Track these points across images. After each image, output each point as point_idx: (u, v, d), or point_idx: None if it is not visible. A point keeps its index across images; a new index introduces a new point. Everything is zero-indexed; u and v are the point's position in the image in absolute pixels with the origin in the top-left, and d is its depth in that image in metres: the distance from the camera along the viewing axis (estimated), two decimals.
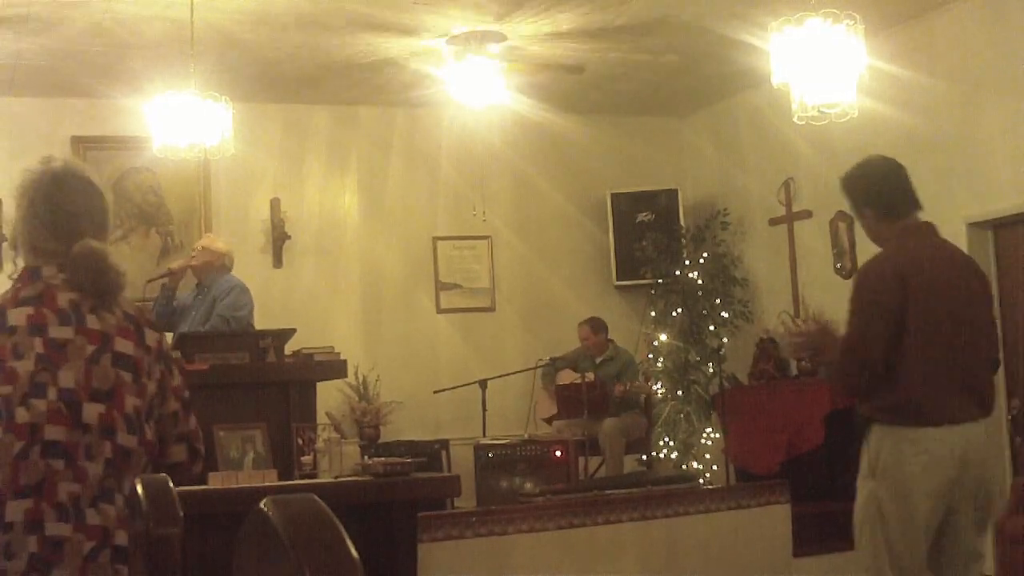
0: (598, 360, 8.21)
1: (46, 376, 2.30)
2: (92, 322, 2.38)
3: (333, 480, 5.03)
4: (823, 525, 6.44)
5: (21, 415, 2.27)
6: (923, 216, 3.71)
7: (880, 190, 3.67)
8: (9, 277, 2.54)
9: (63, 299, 2.38)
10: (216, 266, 6.65)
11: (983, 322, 3.59)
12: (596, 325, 8.31)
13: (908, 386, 3.46)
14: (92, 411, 2.31)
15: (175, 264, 6.89)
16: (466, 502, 6.46)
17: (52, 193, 2.47)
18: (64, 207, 2.47)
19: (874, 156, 3.78)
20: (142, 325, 2.46)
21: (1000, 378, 6.73)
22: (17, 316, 2.37)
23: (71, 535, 2.26)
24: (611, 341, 8.36)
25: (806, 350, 3.97)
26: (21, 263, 2.47)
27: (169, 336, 6.51)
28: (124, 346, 2.39)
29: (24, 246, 2.49)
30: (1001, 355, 6.61)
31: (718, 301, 8.71)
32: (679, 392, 8.66)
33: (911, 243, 3.60)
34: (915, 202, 3.66)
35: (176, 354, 5.51)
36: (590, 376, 7.81)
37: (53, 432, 2.28)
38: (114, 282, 2.43)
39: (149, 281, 6.89)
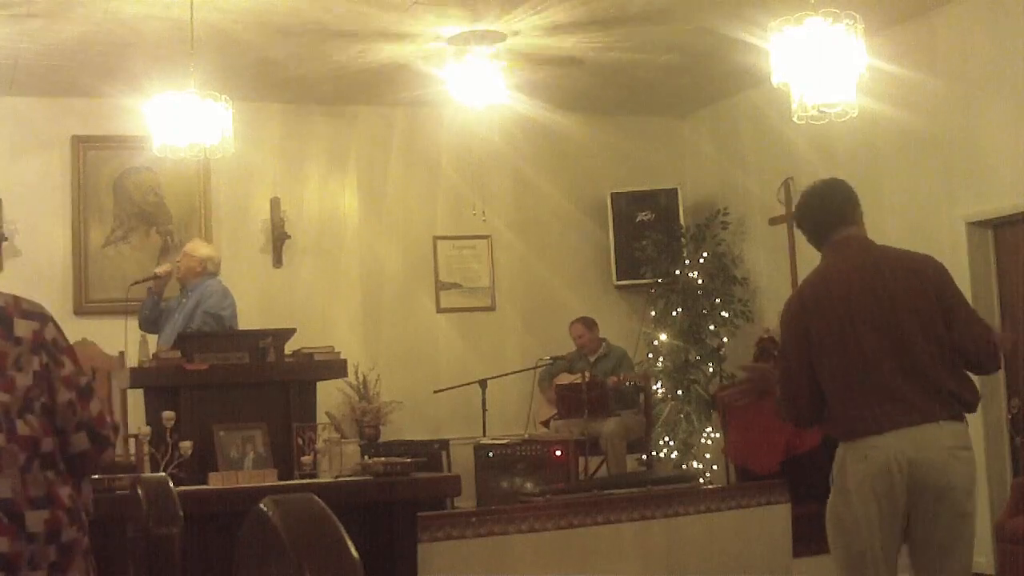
0: (592, 359, 8.22)
1: None
2: None
3: (333, 480, 5.04)
4: (823, 525, 6.43)
5: None
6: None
7: (806, 216, 3.72)
8: None
9: None
10: (198, 271, 6.73)
11: (930, 320, 3.45)
12: (588, 323, 8.33)
13: (841, 402, 3.47)
14: None
15: (160, 268, 6.93)
16: (466, 502, 6.46)
17: None
18: None
19: (820, 182, 3.78)
20: (11, 316, 2.36)
21: (1000, 378, 6.73)
22: None
23: None
24: (604, 339, 8.37)
25: (746, 397, 4.02)
26: None
27: (154, 338, 6.54)
28: None
29: None
30: (1002, 362, 6.69)
31: (718, 301, 8.71)
32: (679, 392, 8.66)
33: (828, 262, 3.63)
34: (839, 219, 3.62)
35: (176, 354, 5.51)
36: (587, 376, 7.80)
37: None
38: None
39: (133, 284, 6.91)
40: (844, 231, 3.62)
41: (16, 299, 2.42)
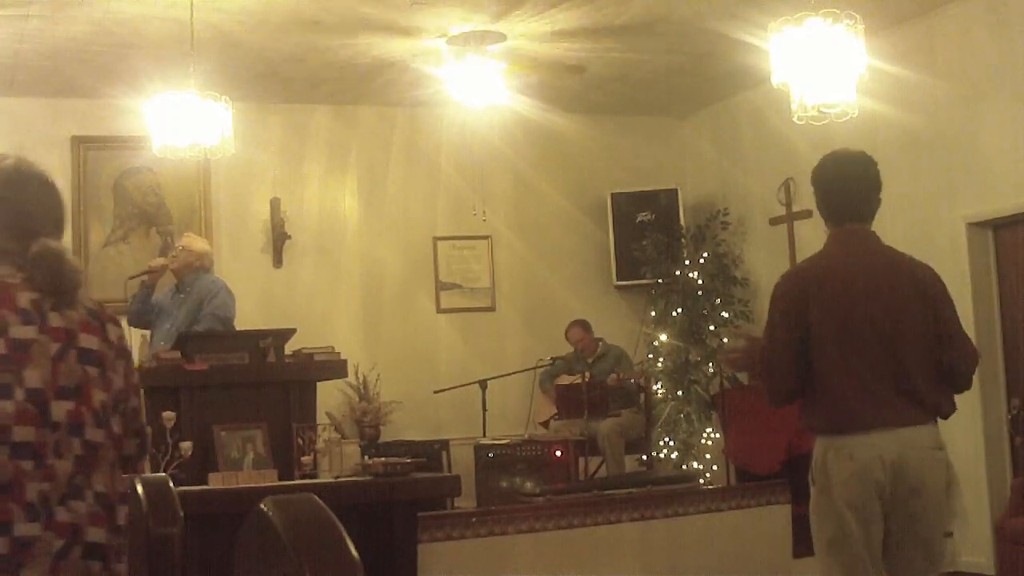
0: (591, 359, 8.22)
1: (10, 377, 2.28)
2: (55, 320, 2.36)
3: (333, 480, 5.04)
4: None
5: None
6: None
7: (830, 191, 3.60)
8: None
9: (23, 299, 2.37)
10: (195, 266, 6.66)
11: (923, 332, 3.46)
12: (585, 325, 8.34)
13: (828, 393, 3.44)
14: (60, 409, 2.31)
15: (155, 262, 6.84)
16: (466, 502, 6.46)
17: (5, 193, 2.47)
18: (18, 207, 2.46)
19: (840, 153, 3.65)
20: (104, 320, 2.45)
21: (1000, 378, 6.74)
22: None
23: (41, 534, 2.24)
24: (600, 340, 8.37)
25: (741, 366, 3.92)
26: None
27: (146, 333, 6.51)
28: (89, 341, 2.39)
29: None
30: (1002, 361, 6.69)
31: (718, 301, 8.71)
32: (679, 392, 8.66)
33: (835, 249, 3.57)
34: (856, 214, 3.58)
35: (175, 354, 5.52)
36: (587, 376, 7.81)
37: (21, 433, 2.26)
38: (72, 280, 2.42)
39: (130, 278, 6.85)
40: (859, 224, 3.58)
41: (100, 304, 2.52)
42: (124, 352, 2.49)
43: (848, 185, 3.59)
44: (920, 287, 3.52)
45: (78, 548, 2.27)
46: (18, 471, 2.24)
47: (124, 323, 6.62)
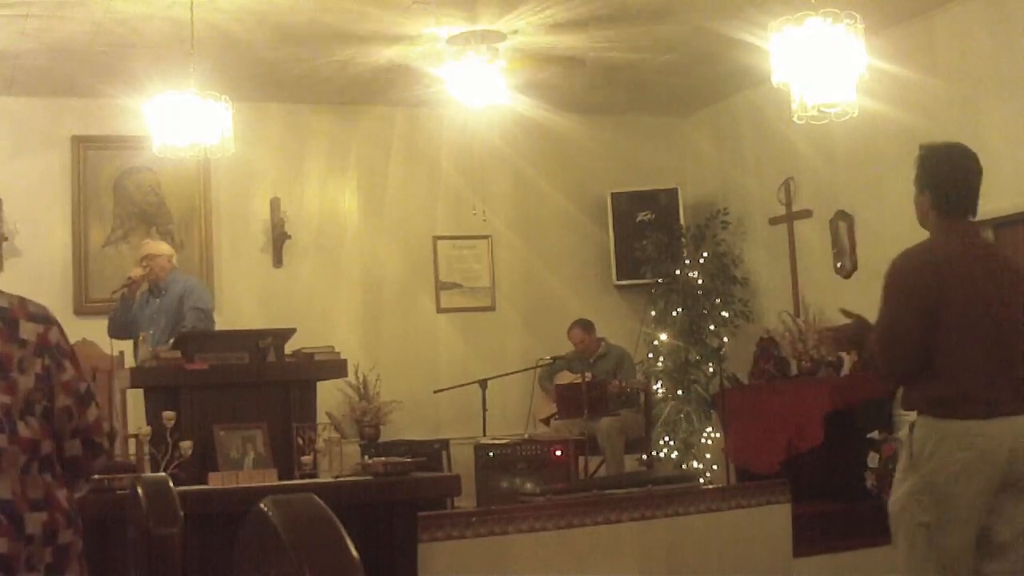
0: (592, 359, 8.21)
1: None
2: None
3: (333, 480, 5.04)
4: (823, 525, 6.44)
5: None
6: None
7: (947, 183, 3.62)
8: None
9: None
10: (168, 268, 6.80)
11: (1021, 321, 3.55)
12: (587, 326, 8.30)
13: (953, 377, 3.43)
14: None
15: (134, 272, 6.84)
16: (466, 502, 6.46)
17: None
18: None
19: (961, 147, 3.69)
20: (17, 318, 2.36)
21: None
22: None
23: None
24: (602, 339, 8.36)
25: (845, 344, 3.89)
26: None
27: (148, 334, 6.50)
28: None
29: None
30: None
31: (718, 301, 8.71)
32: (679, 392, 8.66)
33: (951, 238, 3.60)
34: (972, 208, 3.64)
35: (175, 354, 5.51)
36: (588, 376, 7.80)
37: None
38: None
39: (113, 293, 6.87)
40: (972, 222, 3.64)
41: (23, 301, 2.42)
42: (47, 350, 2.37)
43: (969, 179, 3.63)
44: (1019, 277, 3.60)
45: None
46: None
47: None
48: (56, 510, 2.31)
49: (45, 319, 2.41)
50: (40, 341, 2.37)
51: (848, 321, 3.86)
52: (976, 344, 3.45)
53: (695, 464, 8.52)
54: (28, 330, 2.36)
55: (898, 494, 3.51)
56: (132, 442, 5.38)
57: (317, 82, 8.06)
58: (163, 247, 6.94)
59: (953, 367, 3.44)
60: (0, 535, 2.20)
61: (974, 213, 3.65)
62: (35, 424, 2.31)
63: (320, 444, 5.29)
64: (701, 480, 7.54)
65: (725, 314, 8.65)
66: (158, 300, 6.68)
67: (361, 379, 8.17)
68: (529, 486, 6.67)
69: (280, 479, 5.14)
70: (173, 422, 5.07)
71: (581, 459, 7.42)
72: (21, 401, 2.30)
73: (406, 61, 7.58)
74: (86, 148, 8.10)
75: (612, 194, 9.22)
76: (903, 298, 3.53)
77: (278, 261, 8.51)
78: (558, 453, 7.08)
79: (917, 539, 3.44)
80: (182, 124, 6.12)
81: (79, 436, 2.41)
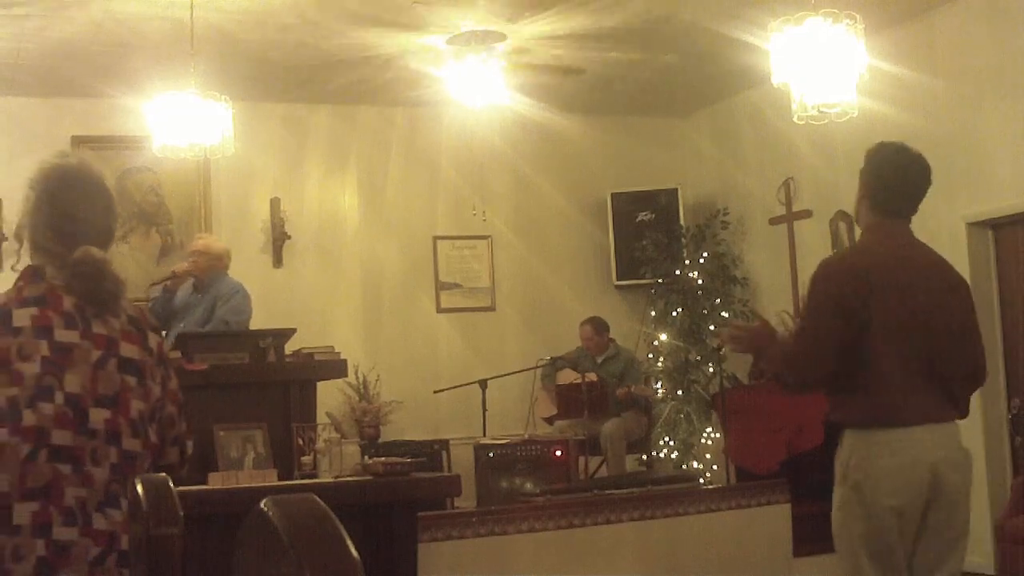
0: (599, 360, 8.20)
1: (52, 380, 2.28)
2: (98, 326, 2.35)
3: (333, 480, 5.03)
4: (823, 525, 6.40)
5: (28, 418, 2.25)
6: (914, 218, 3.64)
7: (882, 182, 3.55)
8: (12, 268, 2.51)
9: (68, 302, 2.36)
10: (218, 267, 6.65)
11: (960, 330, 3.48)
12: (598, 325, 8.29)
13: (877, 386, 3.37)
14: (98, 416, 2.30)
15: (179, 267, 6.80)
16: (466, 502, 6.46)
17: (57, 194, 2.43)
18: (68, 210, 2.43)
19: (900, 145, 3.60)
20: (145, 328, 2.44)
21: (1000, 378, 6.73)
22: (22, 317, 2.33)
23: (78, 539, 2.24)
24: (612, 340, 8.36)
25: (745, 346, 3.73)
26: (26, 256, 2.45)
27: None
28: (129, 350, 2.37)
29: (28, 240, 2.46)
30: (1002, 361, 6.69)
31: (718, 301, 8.71)
32: (679, 392, 8.66)
33: (882, 240, 3.53)
34: (908, 210, 3.56)
35: (176, 354, 5.51)
36: (592, 376, 7.80)
37: (60, 436, 2.26)
38: (111, 292, 2.38)
39: (152, 284, 6.85)
40: (906, 219, 3.58)
41: (140, 310, 2.51)
42: (163, 359, 2.48)
43: (909, 180, 3.56)
44: (952, 282, 3.55)
45: (113, 555, 2.28)
46: (56, 475, 2.24)
47: None
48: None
49: (156, 329, 2.51)
50: (160, 351, 2.47)
51: (752, 323, 3.80)
52: (905, 351, 3.38)
53: (695, 464, 8.53)
54: (153, 340, 2.45)
55: (834, 511, 3.46)
56: None
57: (317, 82, 8.06)
58: (214, 246, 6.78)
59: (881, 376, 3.37)
60: (126, 533, 2.28)
61: (910, 217, 3.58)
62: (156, 431, 2.41)
63: (320, 444, 5.28)
64: (701, 480, 7.54)
65: (725, 314, 8.65)
66: (199, 295, 6.63)
67: (361, 379, 8.17)
68: (529, 486, 6.67)
69: (280, 479, 5.13)
70: None
71: (581, 459, 7.42)
72: (150, 409, 2.39)
73: (406, 61, 7.58)
74: (86, 148, 8.08)
75: (612, 194, 9.23)
76: (827, 300, 3.43)
77: (278, 261, 8.51)
78: (558, 453, 7.08)
79: (851, 548, 3.40)
80: (182, 124, 6.11)
81: (177, 444, 2.51)
